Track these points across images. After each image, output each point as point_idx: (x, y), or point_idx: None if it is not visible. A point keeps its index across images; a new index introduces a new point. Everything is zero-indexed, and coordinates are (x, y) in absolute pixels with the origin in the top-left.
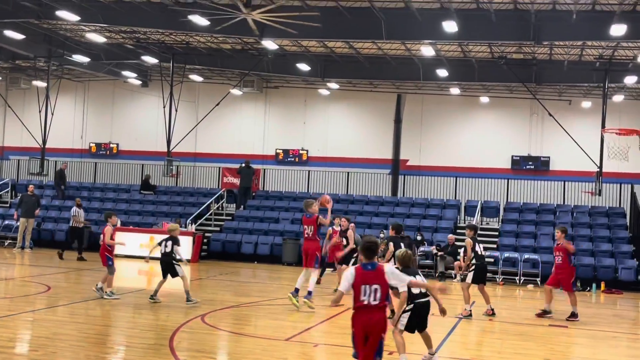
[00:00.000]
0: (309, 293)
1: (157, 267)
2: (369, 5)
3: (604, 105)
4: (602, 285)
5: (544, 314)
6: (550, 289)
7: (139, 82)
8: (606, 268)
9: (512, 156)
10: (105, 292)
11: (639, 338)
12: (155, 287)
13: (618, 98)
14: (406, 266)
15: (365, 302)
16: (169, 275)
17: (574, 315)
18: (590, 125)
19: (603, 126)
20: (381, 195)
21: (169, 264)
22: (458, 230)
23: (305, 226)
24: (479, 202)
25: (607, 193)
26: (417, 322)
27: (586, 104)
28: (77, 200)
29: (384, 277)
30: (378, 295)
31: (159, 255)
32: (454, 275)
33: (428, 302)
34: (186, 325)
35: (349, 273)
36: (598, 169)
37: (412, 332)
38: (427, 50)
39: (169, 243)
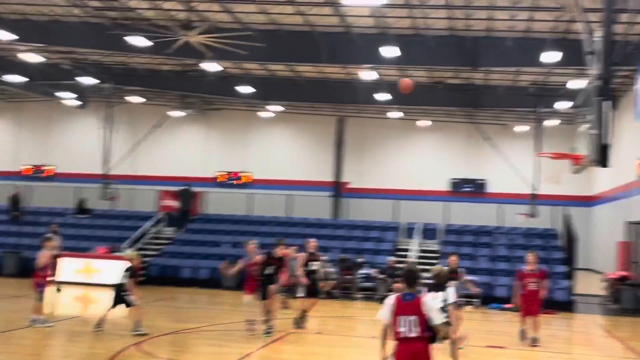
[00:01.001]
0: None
1: (84, 293)
2: (309, 29)
3: (538, 130)
4: None
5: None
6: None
7: (76, 104)
8: None
9: (451, 179)
10: (36, 319)
11: (572, 358)
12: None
13: (551, 122)
14: (442, 284)
15: (402, 335)
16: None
17: (535, 340)
18: (525, 149)
19: (537, 150)
20: (322, 218)
21: (120, 295)
22: (398, 252)
23: None
24: (419, 224)
25: (542, 215)
26: None
27: (521, 128)
28: (52, 227)
29: (421, 308)
30: (416, 326)
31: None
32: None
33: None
34: (122, 353)
35: (388, 302)
36: (533, 192)
37: None
38: (367, 74)
39: (127, 273)
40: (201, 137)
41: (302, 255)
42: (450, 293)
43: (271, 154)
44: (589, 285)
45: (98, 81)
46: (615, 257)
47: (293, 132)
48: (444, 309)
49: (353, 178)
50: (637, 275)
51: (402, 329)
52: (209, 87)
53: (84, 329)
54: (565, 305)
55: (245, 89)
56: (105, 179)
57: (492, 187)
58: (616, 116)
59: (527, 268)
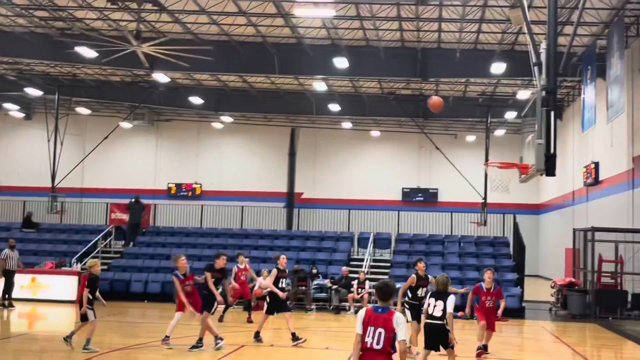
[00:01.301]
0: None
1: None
2: (261, 40)
3: (487, 139)
4: None
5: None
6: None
7: (21, 115)
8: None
9: (403, 188)
10: None
11: None
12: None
13: (500, 132)
14: (444, 291)
15: (368, 345)
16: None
17: (486, 348)
18: (475, 158)
19: (486, 159)
20: (276, 229)
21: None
22: (352, 262)
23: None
24: (372, 233)
25: (492, 223)
26: (430, 342)
27: (471, 137)
28: (10, 241)
29: (391, 323)
30: (382, 339)
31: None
32: (347, 308)
33: (439, 325)
34: None
35: (360, 313)
36: (483, 200)
37: (431, 349)
38: (319, 85)
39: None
40: (152, 149)
41: (273, 272)
42: (451, 301)
43: (224, 165)
44: (538, 291)
45: (44, 92)
46: (563, 263)
47: (246, 143)
48: (442, 317)
49: (306, 188)
50: (584, 281)
51: (368, 339)
52: (160, 98)
53: (30, 346)
54: (515, 312)
55: (196, 100)
56: (53, 192)
57: (443, 196)
58: (562, 126)
59: (485, 286)
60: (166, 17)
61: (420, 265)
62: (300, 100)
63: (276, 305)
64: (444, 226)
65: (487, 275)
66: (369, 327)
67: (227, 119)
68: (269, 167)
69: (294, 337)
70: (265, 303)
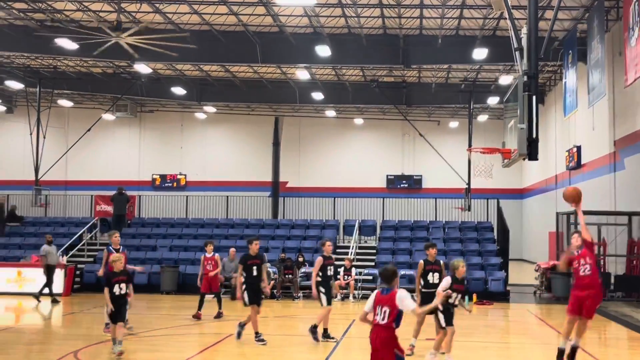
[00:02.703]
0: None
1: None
2: (243, 29)
3: (470, 125)
4: (474, 297)
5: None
6: (573, 319)
7: (3, 109)
8: (477, 280)
9: (387, 175)
10: None
11: (509, 347)
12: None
13: (482, 118)
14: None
15: (377, 321)
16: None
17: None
18: (458, 144)
19: (469, 145)
20: (261, 218)
21: (123, 307)
22: (338, 250)
23: None
24: (357, 221)
25: (476, 208)
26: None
27: (454, 124)
28: (47, 237)
29: (394, 302)
30: (386, 315)
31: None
32: (334, 295)
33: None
34: None
35: (372, 295)
36: (466, 186)
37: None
38: (302, 74)
39: (123, 285)
40: (135, 140)
41: (318, 260)
42: (444, 281)
43: (208, 156)
44: (522, 275)
45: (25, 85)
46: (547, 247)
47: (230, 133)
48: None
49: (291, 177)
50: None
51: (377, 317)
52: (142, 89)
53: (17, 339)
54: (500, 296)
55: (179, 91)
56: (37, 185)
57: (427, 183)
58: (544, 110)
59: (574, 251)
60: (147, 8)
61: (431, 251)
62: (283, 89)
63: (329, 295)
64: (428, 212)
65: (574, 239)
66: (378, 307)
67: (210, 109)
68: (253, 156)
69: (325, 333)
70: (322, 294)
